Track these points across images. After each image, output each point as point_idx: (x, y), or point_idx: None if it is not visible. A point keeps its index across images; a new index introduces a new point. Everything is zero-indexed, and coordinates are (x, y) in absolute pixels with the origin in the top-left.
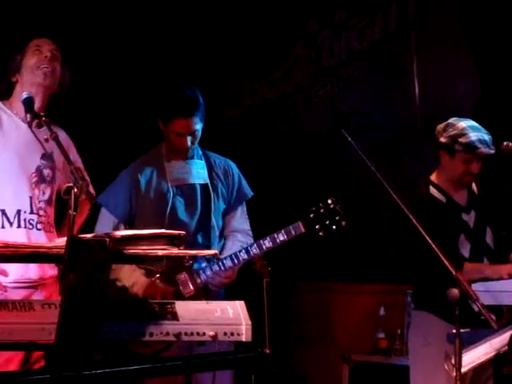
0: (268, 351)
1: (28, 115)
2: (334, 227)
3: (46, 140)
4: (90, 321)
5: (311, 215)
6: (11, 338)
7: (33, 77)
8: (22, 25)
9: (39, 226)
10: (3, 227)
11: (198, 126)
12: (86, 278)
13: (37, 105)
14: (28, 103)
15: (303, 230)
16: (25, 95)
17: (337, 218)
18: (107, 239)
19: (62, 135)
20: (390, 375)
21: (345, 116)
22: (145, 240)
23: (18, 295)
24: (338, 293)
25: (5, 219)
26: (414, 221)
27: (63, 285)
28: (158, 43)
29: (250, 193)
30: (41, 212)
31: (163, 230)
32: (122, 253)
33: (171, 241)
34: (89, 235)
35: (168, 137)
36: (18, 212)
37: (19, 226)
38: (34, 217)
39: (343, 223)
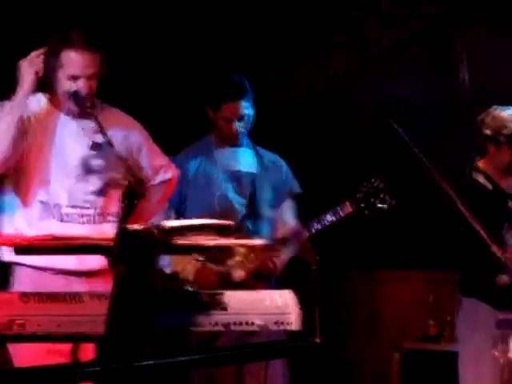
0: (318, 340)
1: (76, 107)
2: (381, 205)
3: (97, 131)
4: (139, 312)
5: (358, 195)
6: (60, 329)
7: (68, 89)
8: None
9: (82, 220)
10: (40, 219)
11: (247, 111)
12: (135, 269)
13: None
14: (75, 96)
15: (350, 210)
16: (72, 89)
17: (382, 195)
18: (156, 230)
19: (136, 131)
20: (441, 362)
21: (391, 104)
22: (194, 230)
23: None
24: (387, 280)
25: (44, 212)
26: (461, 207)
27: (113, 277)
28: (204, 35)
29: (297, 188)
30: (86, 204)
31: (213, 221)
32: (171, 244)
33: (221, 231)
34: (137, 226)
35: (217, 124)
36: (55, 205)
37: (57, 220)
38: (74, 210)
39: (389, 201)
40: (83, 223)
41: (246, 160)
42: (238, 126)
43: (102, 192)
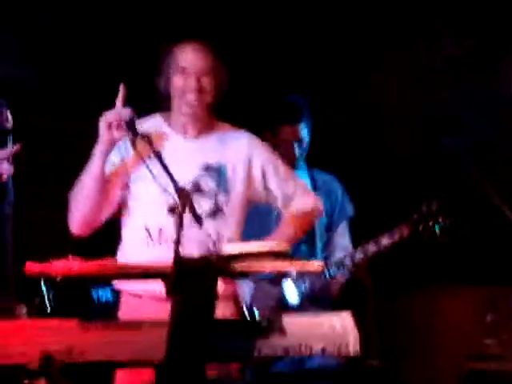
0: (376, 363)
1: (130, 134)
2: (438, 227)
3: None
4: (198, 339)
5: (414, 216)
6: (120, 357)
7: (181, 104)
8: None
9: (199, 246)
10: (147, 245)
11: (305, 134)
12: (193, 296)
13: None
14: (129, 123)
15: (407, 232)
16: (128, 117)
17: (440, 218)
18: (214, 257)
19: (243, 142)
20: (505, 381)
21: (441, 122)
22: (252, 256)
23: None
24: (444, 298)
25: (148, 237)
26: None
27: (171, 305)
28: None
29: (351, 211)
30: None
31: (269, 244)
32: (229, 270)
33: (277, 255)
34: (194, 253)
35: (275, 147)
36: (160, 230)
37: (161, 244)
38: (192, 236)
39: (447, 222)
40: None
41: None
42: (297, 150)
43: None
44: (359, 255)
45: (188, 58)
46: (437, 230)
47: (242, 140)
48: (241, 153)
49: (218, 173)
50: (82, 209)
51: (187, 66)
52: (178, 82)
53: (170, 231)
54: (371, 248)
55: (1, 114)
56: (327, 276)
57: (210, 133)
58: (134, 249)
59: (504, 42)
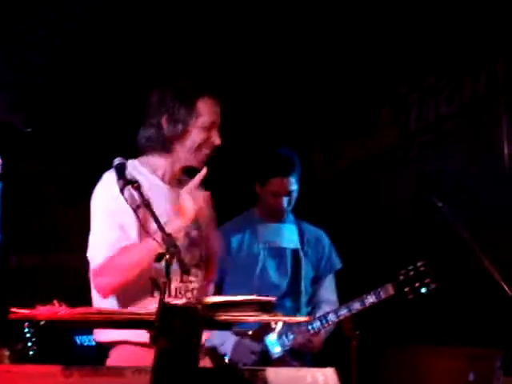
0: None
1: (120, 181)
2: (424, 290)
3: (138, 207)
4: None
5: (401, 277)
6: None
7: (190, 158)
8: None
9: (189, 295)
10: (153, 296)
11: (294, 187)
12: (177, 344)
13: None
14: (119, 169)
15: (392, 292)
16: (117, 161)
17: (426, 280)
18: (198, 305)
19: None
20: None
21: (433, 179)
22: (236, 306)
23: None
24: (426, 357)
25: (155, 289)
26: (505, 288)
27: (154, 351)
28: (250, 110)
29: (339, 264)
30: (192, 278)
31: (254, 297)
32: (213, 319)
33: (262, 307)
34: (180, 301)
35: (264, 198)
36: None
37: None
38: (182, 285)
39: (433, 286)
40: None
41: (289, 237)
42: (285, 202)
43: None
44: (343, 312)
45: (213, 113)
46: (422, 292)
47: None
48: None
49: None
50: (126, 276)
51: (213, 121)
52: (199, 136)
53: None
54: (356, 305)
55: None
56: (310, 330)
57: (180, 185)
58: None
59: (493, 101)
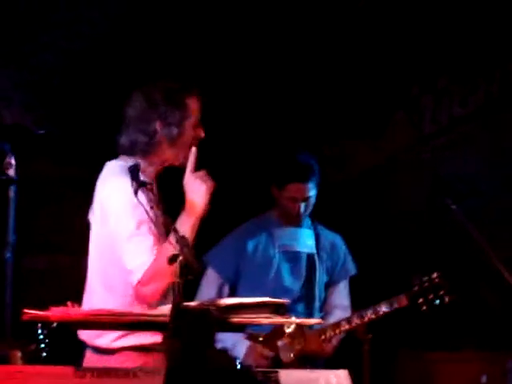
0: None
1: (134, 183)
2: (438, 302)
3: (151, 207)
4: None
5: (415, 288)
6: None
7: (179, 157)
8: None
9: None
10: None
11: (312, 193)
12: (190, 346)
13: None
14: (134, 171)
15: (406, 303)
16: (131, 163)
17: (441, 292)
18: (212, 308)
19: None
20: None
21: (447, 182)
22: (249, 308)
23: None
24: (439, 361)
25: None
26: None
27: (167, 353)
28: (263, 111)
29: (354, 270)
30: None
31: (268, 299)
32: (227, 321)
33: (276, 309)
34: (193, 303)
35: (281, 203)
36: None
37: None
38: None
39: (447, 299)
40: None
41: (305, 241)
42: (302, 207)
43: None
44: (356, 320)
45: (198, 109)
46: (436, 304)
47: None
48: None
49: None
50: (169, 278)
51: (198, 117)
52: (191, 134)
53: None
54: (369, 315)
55: (4, 159)
56: (323, 337)
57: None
58: None
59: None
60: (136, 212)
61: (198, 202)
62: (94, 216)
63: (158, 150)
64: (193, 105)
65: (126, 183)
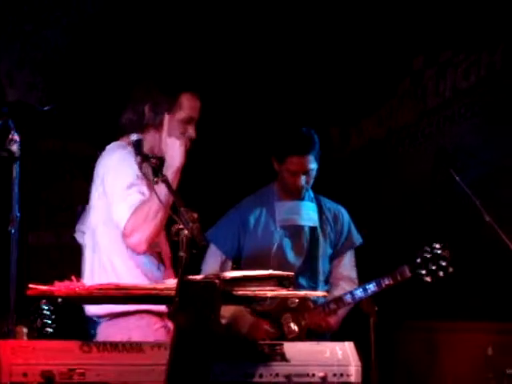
0: None
1: (138, 157)
2: (441, 273)
3: (156, 182)
4: (199, 362)
5: (417, 260)
6: (120, 379)
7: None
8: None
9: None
10: (159, 269)
11: (313, 166)
12: (196, 319)
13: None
14: (137, 145)
15: (409, 275)
16: (135, 137)
17: (443, 263)
18: (217, 281)
19: None
20: None
21: (451, 154)
22: (254, 281)
23: None
24: (445, 331)
25: (160, 262)
26: None
27: (173, 326)
28: (267, 87)
29: (358, 240)
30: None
31: (272, 272)
32: (232, 294)
33: (280, 282)
34: (199, 276)
35: (282, 176)
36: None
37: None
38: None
39: (450, 269)
40: None
41: (307, 214)
42: (303, 180)
43: None
44: (360, 294)
45: (192, 107)
46: (439, 275)
47: None
48: None
49: None
50: (154, 224)
51: (191, 116)
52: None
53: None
54: (372, 288)
55: (8, 136)
56: (327, 311)
57: None
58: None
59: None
60: (128, 180)
61: (175, 155)
62: (95, 186)
63: (146, 132)
64: (187, 101)
65: (127, 153)
